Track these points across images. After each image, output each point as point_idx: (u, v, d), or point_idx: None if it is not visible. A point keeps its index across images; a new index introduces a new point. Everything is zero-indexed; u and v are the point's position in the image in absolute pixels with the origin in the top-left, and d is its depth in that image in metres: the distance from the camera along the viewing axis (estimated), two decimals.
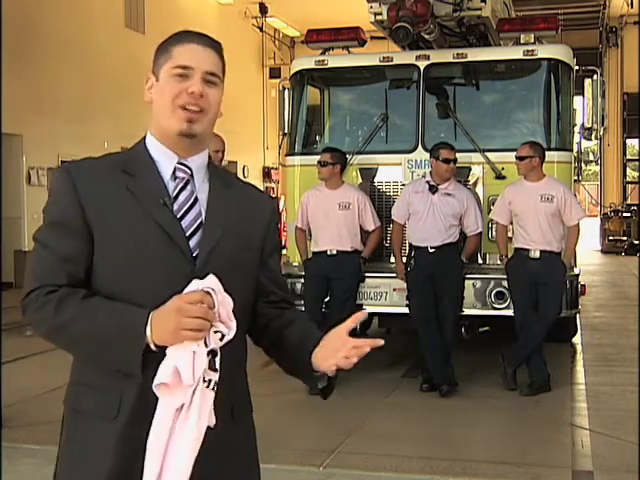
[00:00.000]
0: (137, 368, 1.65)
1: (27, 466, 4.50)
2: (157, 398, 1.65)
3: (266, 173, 20.88)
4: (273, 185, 20.98)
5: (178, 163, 1.83)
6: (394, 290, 6.62)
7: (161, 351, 1.64)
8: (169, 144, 1.83)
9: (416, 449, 5.01)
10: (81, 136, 13.35)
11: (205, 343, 1.64)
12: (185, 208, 1.80)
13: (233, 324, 1.68)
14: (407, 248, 6.58)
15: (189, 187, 1.83)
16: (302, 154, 7.38)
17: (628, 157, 23.65)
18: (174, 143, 1.83)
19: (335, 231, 6.48)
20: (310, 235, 6.73)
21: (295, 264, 7.09)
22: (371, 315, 7.56)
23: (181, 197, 1.81)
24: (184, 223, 1.78)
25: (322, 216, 6.54)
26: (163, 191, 1.79)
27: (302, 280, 6.68)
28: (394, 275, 6.61)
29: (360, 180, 7.08)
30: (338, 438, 5.14)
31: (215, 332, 1.65)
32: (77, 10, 13.60)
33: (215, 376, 1.67)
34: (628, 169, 23.82)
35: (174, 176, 1.82)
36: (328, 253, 6.50)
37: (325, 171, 6.52)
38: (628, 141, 23.34)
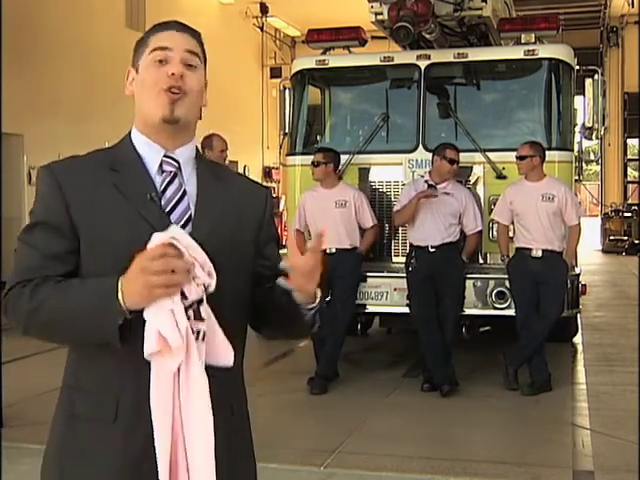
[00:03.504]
0: (115, 337, 1.58)
1: (27, 466, 4.48)
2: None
3: (267, 173, 20.90)
4: (274, 185, 20.98)
5: (164, 156, 1.78)
6: (395, 290, 6.62)
7: (138, 317, 1.57)
8: (154, 135, 1.78)
9: (416, 449, 5.01)
10: (81, 136, 13.31)
11: (184, 295, 1.56)
12: (173, 202, 1.75)
13: (212, 272, 1.60)
14: (408, 248, 6.59)
15: (177, 181, 1.78)
16: (303, 154, 7.37)
17: (629, 157, 23.60)
18: (159, 132, 1.78)
19: (333, 229, 6.47)
20: (310, 236, 6.73)
21: None
22: (372, 315, 7.58)
23: (169, 191, 1.76)
24: (172, 218, 1.74)
25: (320, 216, 6.53)
26: (150, 186, 1.75)
27: None
28: (395, 275, 6.61)
29: (361, 180, 7.08)
30: (338, 438, 5.14)
31: (197, 284, 1.57)
32: (77, 10, 13.57)
33: (203, 326, 1.59)
34: (629, 169, 23.77)
35: (161, 170, 1.78)
36: (327, 252, 6.49)
37: (318, 171, 6.53)
38: (629, 141, 23.28)
